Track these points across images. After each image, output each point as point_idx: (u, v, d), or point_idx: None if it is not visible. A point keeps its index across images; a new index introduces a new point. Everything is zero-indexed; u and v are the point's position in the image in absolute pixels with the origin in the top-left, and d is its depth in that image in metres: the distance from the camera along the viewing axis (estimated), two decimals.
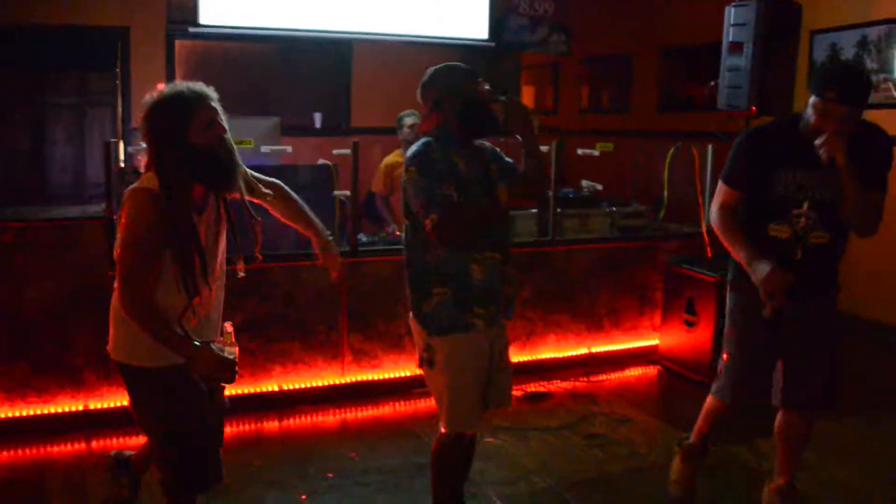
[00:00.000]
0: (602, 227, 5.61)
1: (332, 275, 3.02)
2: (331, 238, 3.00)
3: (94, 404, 4.16)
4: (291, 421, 4.42)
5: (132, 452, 3.12)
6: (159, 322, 2.40)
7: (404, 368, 4.80)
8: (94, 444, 4.02)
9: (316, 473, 3.75)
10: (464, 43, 8.14)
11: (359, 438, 4.23)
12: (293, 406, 4.51)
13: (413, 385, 4.72)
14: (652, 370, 5.40)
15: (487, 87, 2.84)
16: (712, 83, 4.92)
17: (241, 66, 8.16)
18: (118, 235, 2.40)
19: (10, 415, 4.06)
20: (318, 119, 8.16)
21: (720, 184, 3.14)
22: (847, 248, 3.09)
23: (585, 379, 5.12)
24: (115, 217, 2.44)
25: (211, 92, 2.48)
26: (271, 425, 4.35)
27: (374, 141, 6.22)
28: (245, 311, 4.30)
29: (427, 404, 4.62)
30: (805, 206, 2.93)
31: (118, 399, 4.10)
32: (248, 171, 2.74)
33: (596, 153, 5.45)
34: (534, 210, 5.44)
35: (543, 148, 3.53)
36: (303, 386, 4.59)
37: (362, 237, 4.95)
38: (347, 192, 4.67)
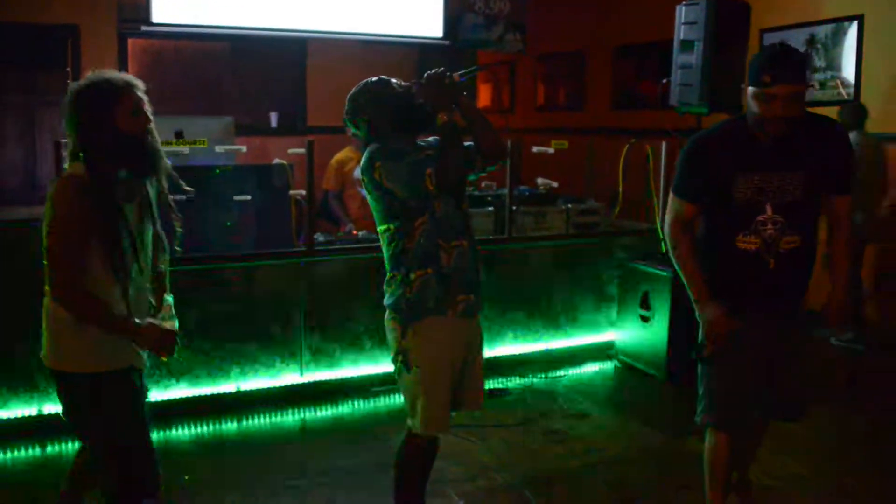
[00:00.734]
0: (558, 225, 5.67)
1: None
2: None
3: (49, 409, 4.08)
4: (250, 422, 4.39)
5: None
6: (98, 305, 2.37)
7: (363, 368, 4.79)
8: (48, 449, 3.95)
9: (275, 474, 3.74)
10: (419, 41, 8.15)
11: (318, 438, 4.22)
12: (251, 406, 4.48)
13: (372, 384, 4.72)
14: (609, 365, 5.46)
15: (458, 73, 2.74)
16: (665, 81, 4.97)
17: (195, 66, 8.08)
18: (44, 227, 2.33)
19: None
20: (274, 118, 8.11)
21: (672, 196, 2.97)
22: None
23: (543, 375, 5.16)
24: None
25: (139, 82, 2.48)
26: (230, 426, 4.32)
27: (330, 140, 6.19)
28: (200, 311, 4.25)
29: (386, 403, 4.63)
30: (768, 209, 2.78)
31: None
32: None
33: (551, 151, 5.50)
34: (490, 209, 5.48)
35: None
36: (261, 387, 4.56)
37: (319, 237, 4.93)
38: (303, 192, 4.65)
